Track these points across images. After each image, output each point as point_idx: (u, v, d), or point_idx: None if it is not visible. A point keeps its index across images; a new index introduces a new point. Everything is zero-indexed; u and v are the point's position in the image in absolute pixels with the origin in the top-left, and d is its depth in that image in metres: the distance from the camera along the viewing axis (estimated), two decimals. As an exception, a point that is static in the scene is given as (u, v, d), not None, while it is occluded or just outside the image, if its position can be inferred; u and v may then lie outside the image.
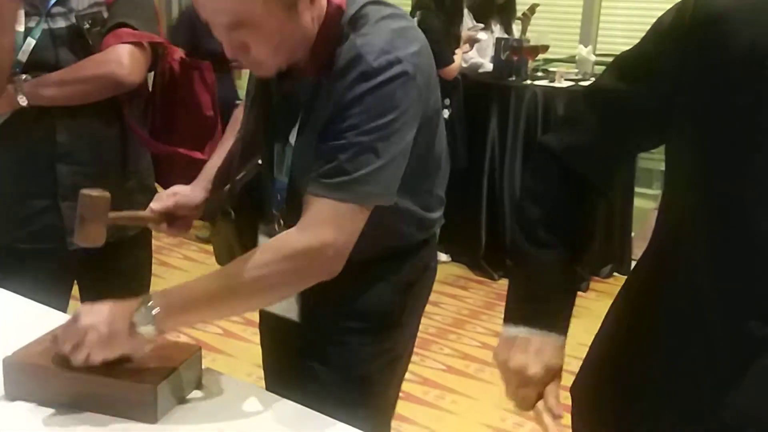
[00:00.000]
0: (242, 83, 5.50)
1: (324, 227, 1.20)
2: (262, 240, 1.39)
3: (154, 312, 1.20)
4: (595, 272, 4.29)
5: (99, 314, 1.21)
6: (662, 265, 1.06)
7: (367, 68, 1.18)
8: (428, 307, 3.55)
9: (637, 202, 4.50)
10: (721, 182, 0.93)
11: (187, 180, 1.73)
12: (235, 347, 3.32)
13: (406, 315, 1.41)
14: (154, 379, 1.21)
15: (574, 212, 1.13)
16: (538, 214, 1.11)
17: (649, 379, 1.04)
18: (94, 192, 1.39)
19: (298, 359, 1.45)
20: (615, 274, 4.28)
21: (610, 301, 1.19)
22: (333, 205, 1.19)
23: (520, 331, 1.09)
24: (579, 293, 1.08)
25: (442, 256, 4.58)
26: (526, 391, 1.06)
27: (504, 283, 4.45)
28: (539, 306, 1.10)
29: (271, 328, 1.57)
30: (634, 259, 4.36)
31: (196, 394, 1.32)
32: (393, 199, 1.26)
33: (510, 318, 1.12)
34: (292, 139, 1.31)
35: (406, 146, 1.23)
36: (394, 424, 1.60)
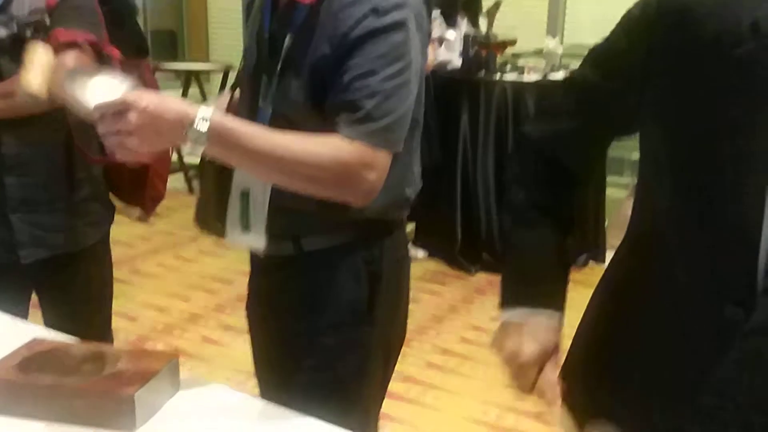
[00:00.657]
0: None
1: (364, 162, 1.24)
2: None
3: (205, 130, 1.16)
4: (571, 262, 4.32)
5: (157, 106, 1.15)
6: (639, 255, 1.08)
7: (378, 5, 1.22)
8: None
9: (610, 192, 4.55)
10: (690, 170, 0.95)
11: (138, 186, 1.72)
12: (213, 352, 3.30)
13: (378, 309, 1.41)
14: (131, 387, 1.20)
15: (558, 195, 1.16)
16: (523, 197, 1.15)
17: (632, 366, 1.05)
18: None
19: (278, 359, 1.45)
20: (591, 262, 4.33)
21: (587, 290, 1.20)
22: (366, 149, 1.24)
23: (515, 314, 1.10)
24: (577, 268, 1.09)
25: (419, 253, 4.60)
26: (524, 372, 1.06)
27: (481, 276, 4.51)
28: (532, 285, 1.12)
29: (256, 328, 1.56)
30: (609, 248, 4.42)
31: (174, 401, 1.31)
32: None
33: (505, 302, 1.13)
34: (278, 67, 1.31)
35: (413, 98, 1.28)
36: (376, 422, 1.60)
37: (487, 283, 4.15)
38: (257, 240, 1.38)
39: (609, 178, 4.55)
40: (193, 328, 3.58)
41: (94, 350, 1.32)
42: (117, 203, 2.01)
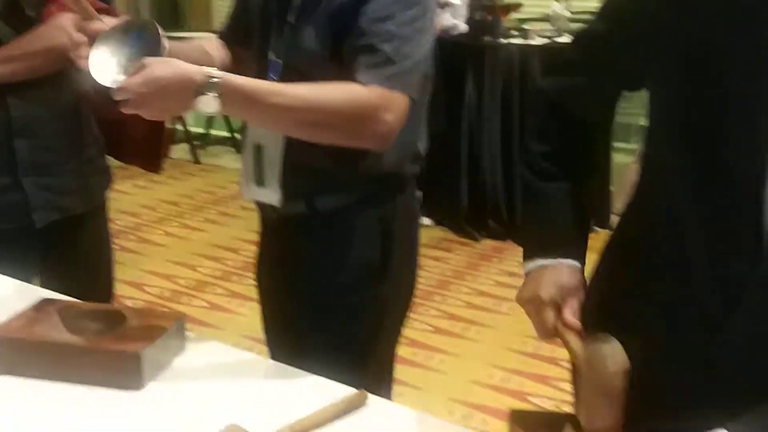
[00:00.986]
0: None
1: (380, 104, 1.23)
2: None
3: (215, 93, 1.16)
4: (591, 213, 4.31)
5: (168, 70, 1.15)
6: (646, 215, 1.08)
7: None
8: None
9: (616, 157, 4.52)
10: (698, 124, 0.94)
11: (139, 147, 1.71)
12: (221, 319, 3.32)
13: (392, 268, 1.41)
14: (138, 345, 1.21)
15: (577, 147, 1.16)
16: (542, 149, 1.15)
17: (642, 326, 1.04)
18: None
19: (290, 322, 1.46)
20: (596, 228, 4.31)
21: (592, 255, 1.20)
22: (384, 92, 1.23)
23: (536, 264, 1.09)
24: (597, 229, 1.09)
25: (425, 220, 4.58)
26: (543, 315, 1.04)
27: (487, 243, 4.51)
28: (552, 237, 1.11)
29: (267, 291, 1.56)
30: (614, 214, 4.41)
31: (181, 360, 1.32)
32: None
33: (527, 256, 1.13)
34: (291, 17, 1.30)
35: (430, 46, 1.29)
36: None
37: (493, 250, 4.15)
38: (272, 194, 1.38)
39: (615, 144, 4.52)
40: (200, 296, 3.60)
41: (101, 309, 1.33)
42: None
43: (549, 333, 1.04)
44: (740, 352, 0.93)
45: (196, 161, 5.94)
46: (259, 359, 1.34)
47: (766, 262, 0.89)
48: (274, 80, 1.33)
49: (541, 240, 1.12)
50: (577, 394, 0.99)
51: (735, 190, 0.92)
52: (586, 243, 1.13)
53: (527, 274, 1.10)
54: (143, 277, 3.76)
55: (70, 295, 1.49)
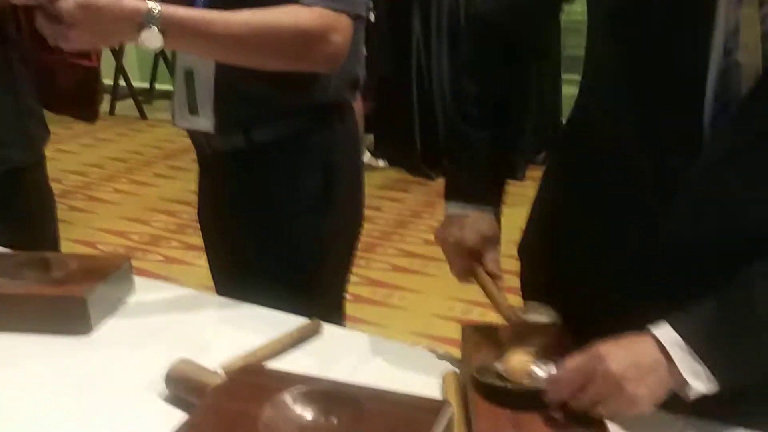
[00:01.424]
0: None
1: (327, 25, 1.20)
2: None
3: (158, 27, 1.12)
4: (530, 160, 4.34)
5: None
6: (585, 124, 1.08)
7: None
8: (370, 212, 3.57)
9: (566, 90, 4.53)
10: (634, 23, 0.93)
11: (73, 96, 1.63)
12: (178, 272, 3.28)
13: (336, 198, 1.39)
14: (82, 288, 1.17)
15: (509, 79, 1.15)
16: (473, 90, 1.14)
17: (585, 227, 1.06)
18: None
19: (235, 257, 1.43)
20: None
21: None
22: (329, 13, 1.20)
23: (457, 208, 1.13)
24: (516, 182, 1.12)
25: (379, 162, 4.58)
26: (466, 262, 1.09)
27: (442, 182, 4.50)
28: (474, 183, 1.14)
29: (210, 229, 1.53)
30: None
31: (130, 302, 1.29)
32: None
33: (448, 196, 1.16)
34: None
35: None
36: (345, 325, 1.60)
37: (449, 187, 4.15)
38: (205, 122, 1.34)
39: (565, 76, 4.53)
40: (155, 250, 3.55)
41: (40, 257, 1.29)
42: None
43: (467, 277, 1.10)
44: (677, 245, 0.95)
45: (142, 116, 5.80)
46: (209, 296, 1.32)
47: (703, 158, 0.90)
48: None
49: (465, 186, 1.15)
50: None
51: (673, 87, 0.92)
52: (504, 189, 1.16)
53: (449, 216, 1.13)
54: (95, 235, 3.68)
55: (15, 248, 1.44)
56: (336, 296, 1.51)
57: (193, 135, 1.42)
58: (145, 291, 1.33)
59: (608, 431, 0.87)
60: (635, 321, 0.89)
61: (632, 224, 0.99)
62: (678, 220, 0.94)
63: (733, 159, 0.89)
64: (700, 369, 0.85)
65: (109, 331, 1.20)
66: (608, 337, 0.89)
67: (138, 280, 1.34)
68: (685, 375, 0.85)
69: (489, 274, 1.08)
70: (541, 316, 0.96)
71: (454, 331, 1.14)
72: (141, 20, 1.11)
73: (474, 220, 1.10)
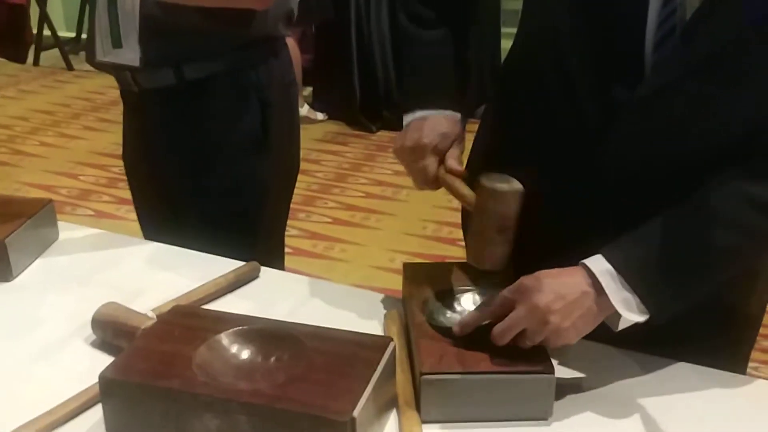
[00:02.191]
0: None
1: None
2: None
3: None
4: (470, 114, 4.32)
5: None
6: (529, 56, 1.05)
7: None
8: (309, 165, 3.49)
9: (505, 44, 4.52)
10: None
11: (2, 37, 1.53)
12: (110, 227, 3.16)
13: (272, 137, 1.33)
14: (1, 233, 1.10)
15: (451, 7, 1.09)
16: (411, 10, 1.08)
17: (524, 160, 1.03)
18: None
19: (167, 202, 1.37)
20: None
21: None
22: None
23: (414, 116, 1.04)
24: (471, 120, 1.06)
25: (318, 115, 4.50)
26: (425, 162, 1.00)
27: (383, 134, 4.47)
28: (431, 86, 1.06)
29: (137, 174, 1.46)
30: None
31: (54, 249, 1.22)
32: None
33: (406, 109, 1.07)
34: None
35: None
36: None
37: (389, 140, 4.11)
38: (130, 54, 1.26)
39: (504, 30, 4.51)
40: (85, 204, 3.42)
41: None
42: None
43: (429, 180, 1.01)
44: (618, 176, 0.94)
45: (69, 67, 5.54)
46: (141, 241, 1.26)
47: (646, 86, 0.89)
48: None
49: (420, 91, 1.07)
50: (470, 235, 0.97)
51: (616, 15, 0.90)
52: (464, 92, 1.08)
53: (406, 124, 1.05)
54: (20, 189, 3.52)
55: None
56: (277, 243, 1.47)
57: (117, 72, 1.34)
58: (70, 236, 1.26)
59: (552, 365, 0.86)
60: (577, 255, 0.88)
61: (573, 155, 0.97)
62: (619, 149, 0.93)
63: (675, 87, 0.88)
64: (631, 298, 0.84)
65: (32, 277, 1.14)
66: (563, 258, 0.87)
67: (63, 225, 1.27)
68: (615, 304, 0.84)
69: (452, 171, 0.99)
70: (505, 182, 0.90)
71: (396, 283, 1.10)
72: None
73: (433, 122, 1.01)
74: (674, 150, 0.91)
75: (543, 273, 0.87)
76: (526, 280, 0.86)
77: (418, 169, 1.00)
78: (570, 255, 0.88)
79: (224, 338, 0.84)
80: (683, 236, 0.87)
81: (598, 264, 0.85)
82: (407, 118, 1.05)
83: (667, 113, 0.89)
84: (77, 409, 0.84)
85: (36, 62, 5.55)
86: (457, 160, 0.99)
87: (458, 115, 1.04)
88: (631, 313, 0.85)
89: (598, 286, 0.84)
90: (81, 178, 3.71)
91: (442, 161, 0.99)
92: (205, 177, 1.32)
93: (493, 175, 0.92)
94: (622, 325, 0.86)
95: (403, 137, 1.02)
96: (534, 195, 0.92)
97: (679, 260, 0.86)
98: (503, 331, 0.86)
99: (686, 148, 0.90)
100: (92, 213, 3.34)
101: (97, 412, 0.81)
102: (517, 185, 0.90)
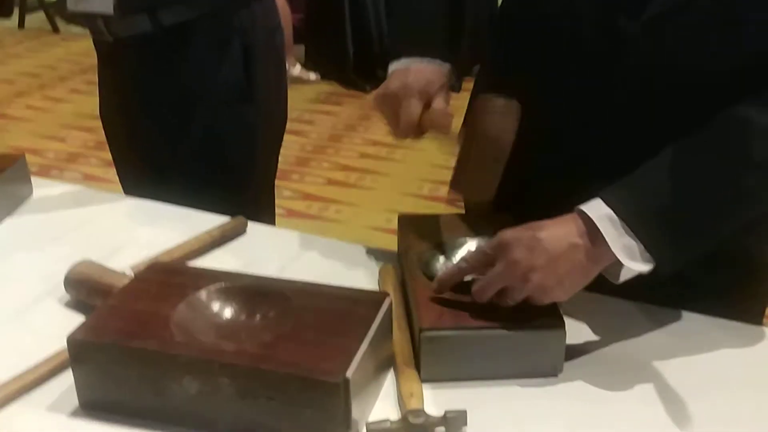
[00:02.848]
0: None
1: None
2: None
3: None
4: (466, 72, 4.23)
5: None
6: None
7: None
8: (303, 126, 3.41)
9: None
10: None
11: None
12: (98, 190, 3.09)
13: (257, 86, 1.25)
14: (-33, 188, 1.03)
15: None
16: None
17: (530, 96, 0.96)
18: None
19: (148, 156, 1.29)
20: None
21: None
22: None
23: (400, 63, 0.97)
24: (452, 94, 0.97)
25: (311, 75, 4.40)
26: (409, 103, 0.92)
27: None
28: (420, 31, 1.01)
29: (115, 127, 1.38)
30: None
31: (28, 205, 1.15)
32: None
33: (392, 56, 1.00)
34: None
35: None
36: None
37: (384, 100, 4.02)
38: (103, 1, 1.17)
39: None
40: (73, 167, 3.34)
41: None
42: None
43: (412, 124, 0.92)
44: (625, 110, 0.88)
45: (55, 30, 5.40)
46: (121, 197, 1.19)
47: (648, 14, 0.84)
48: None
49: (408, 35, 1.01)
50: (459, 162, 0.90)
51: None
52: (458, 43, 1.02)
53: (390, 72, 0.97)
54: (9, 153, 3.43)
55: None
56: (266, 199, 1.39)
57: (89, 21, 1.25)
58: (45, 192, 1.19)
59: (562, 319, 0.79)
60: (578, 201, 0.81)
61: (578, 93, 0.91)
62: (626, 83, 0.87)
63: (680, 12, 0.82)
64: (634, 245, 0.76)
65: (3, 234, 1.07)
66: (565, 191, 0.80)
67: (37, 182, 1.20)
68: (616, 252, 0.76)
69: (437, 118, 0.92)
70: (502, 99, 0.83)
71: (391, 243, 1.04)
72: None
73: (419, 69, 0.94)
74: (682, 81, 0.84)
75: (528, 225, 0.79)
76: (506, 233, 0.79)
77: (400, 113, 0.91)
78: (571, 200, 0.81)
79: (205, 295, 0.77)
80: (692, 174, 0.79)
81: (596, 209, 0.78)
82: (392, 66, 0.98)
83: (674, 41, 0.83)
84: (47, 373, 0.77)
85: (21, 25, 5.42)
86: (443, 100, 0.92)
87: (447, 66, 0.97)
88: (633, 262, 0.77)
89: (594, 234, 0.77)
90: (68, 141, 3.62)
91: (428, 106, 0.91)
92: (186, 130, 1.24)
93: (489, 95, 0.85)
94: (624, 276, 0.78)
95: (386, 84, 0.94)
96: (537, 133, 0.85)
97: (688, 201, 0.78)
98: (481, 289, 0.79)
99: (694, 78, 0.84)
100: (80, 176, 3.26)
101: (69, 377, 0.74)
102: (514, 102, 0.83)
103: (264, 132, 1.31)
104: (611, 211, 0.77)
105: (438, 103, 0.91)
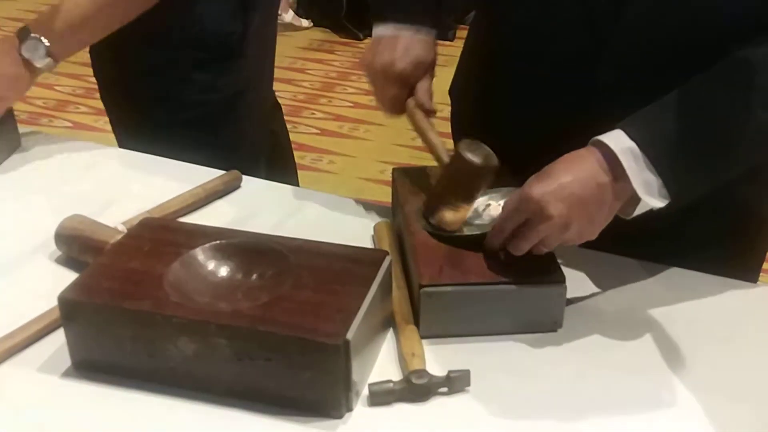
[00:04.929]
0: None
1: None
2: None
3: (44, 41, 1.06)
4: (459, 20, 4.16)
5: None
6: None
7: None
8: (295, 74, 3.34)
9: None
10: None
11: None
12: (88, 139, 3.04)
13: (248, 45, 1.21)
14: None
15: None
16: None
17: (523, 56, 0.94)
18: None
19: (139, 107, 1.25)
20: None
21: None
22: None
23: (387, 29, 0.96)
24: (446, 42, 0.94)
25: (303, 22, 4.31)
26: (395, 90, 0.94)
27: (370, 41, 4.30)
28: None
29: (106, 77, 1.33)
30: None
31: (16, 158, 1.12)
32: None
33: (377, 17, 0.98)
34: None
35: None
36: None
37: (377, 48, 3.95)
38: None
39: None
40: (62, 116, 3.28)
41: None
42: None
43: (396, 109, 0.94)
44: (624, 61, 0.86)
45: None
46: (113, 149, 1.16)
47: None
48: None
49: (394, 2, 0.98)
50: (430, 191, 0.89)
51: None
52: (440, 9, 0.99)
53: (377, 38, 0.96)
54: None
55: None
56: (260, 149, 1.36)
57: None
58: (34, 144, 1.16)
59: (563, 273, 0.78)
60: (585, 140, 0.79)
61: (575, 45, 0.88)
62: (625, 34, 0.85)
63: None
64: (653, 181, 0.75)
65: (-8, 189, 1.04)
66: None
67: (26, 131, 1.17)
68: (636, 187, 0.75)
69: (421, 107, 0.93)
70: (476, 154, 0.82)
71: (385, 195, 1.02)
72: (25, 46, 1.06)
73: (407, 43, 0.93)
74: (681, 30, 0.82)
75: (549, 171, 0.77)
76: (534, 189, 0.76)
77: (386, 97, 0.93)
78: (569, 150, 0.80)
79: (200, 254, 0.75)
80: (710, 108, 0.77)
81: (617, 141, 0.76)
82: (378, 29, 0.96)
83: None
84: (39, 332, 0.75)
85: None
86: (427, 93, 0.93)
87: (433, 36, 0.96)
88: (651, 198, 0.76)
89: (617, 169, 0.75)
90: (57, 88, 3.55)
91: (412, 92, 0.92)
92: (180, 77, 1.20)
93: (471, 142, 0.83)
94: (637, 211, 0.78)
95: (373, 54, 0.93)
96: (534, 85, 0.83)
97: (706, 136, 0.77)
98: (518, 245, 0.78)
99: (693, 27, 0.81)
100: (70, 124, 3.21)
101: (61, 336, 0.72)
102: (494, 161, 0.82)
103: (254, 88, 1.27)
104: (634, 144, 0.75)
105: (423, 89, 0.92)
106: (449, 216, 0.83)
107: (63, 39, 1.08)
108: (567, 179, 0.75)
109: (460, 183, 0.84)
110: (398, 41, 0.93)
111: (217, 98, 1.23)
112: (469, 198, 0.84)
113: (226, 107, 1.23)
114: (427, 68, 0.95)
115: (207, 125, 1.23)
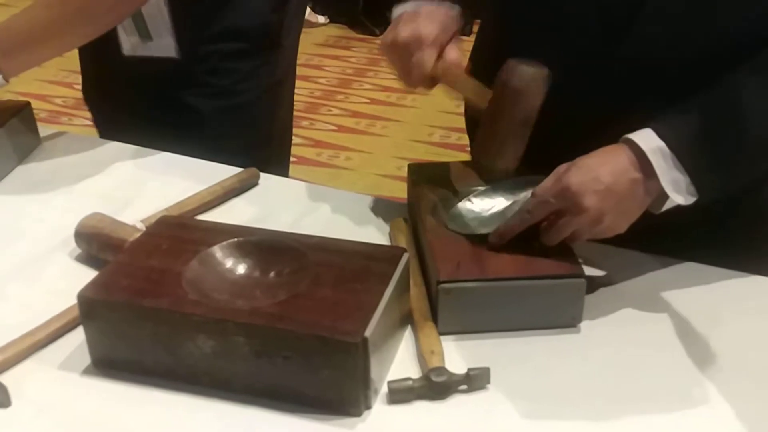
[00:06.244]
0: None
1: None
2: None
3: None
4: (477, 15, 4.15)
5: None
6: None
7: None
8: (311, 71, 3.34)
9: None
10: None
11: None
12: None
13: (285, 35, 1.21)
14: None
15: None
16: None
17: (540, 33, 0.91)
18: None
19: (170, 95, 1.24)
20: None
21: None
22: None
23: (408, 6, 0.92)
24: (463, 38, 0.92)
25: (320, 18, 4.31)
26: (422, 53, 0.87)
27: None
28: None
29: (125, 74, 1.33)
30: None
31: (36, 155, 1.13)
32: None
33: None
34: None
35: None
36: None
37: (394, 43, 3.94)
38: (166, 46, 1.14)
39: None
40: (82, 114, 3.30)
41: None
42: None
43: (425, 76, 0.88)
44: (646, 49, 0.84)
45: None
46: (131, 147, 1.16)
47: None
48: None
49: None
50: (483, 130, 0.86)
51: None
52: None
53: (397, 18, 0.91)
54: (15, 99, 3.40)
55: None
56: (280, 148, 1.36)
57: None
58: (53, 142, 1.16)
59: (581, 268, 0.77)
60: (601, 136, 0.79)
61: (592, 44, 0.86)
62: (645, 34, 0.83)
63: None
64: (681, 179, 0.76)
65: (10, 186, 1.05)
66: (576, 155, 0.78)
67: (45, 129, 1.17)
68: (664, 185, 0.76)
69: (453, 65, 0.88)
70: (530, 65, 0.80)
71: (402, 191, 1.01)
72: None
73: (430, 10, 0.89)
74: (702, 27, 0.80)
75: (582, 163, 0.76)
76: (569, 179, 0.76)
77: (412, 64, 0.86)
78: (593, 137, 0.79)
79: (218, 251, 0.75)
80: (740, 108, 0.77)
81: (647, 140, 0.76)
82: (397, 10, 0.92)
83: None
84: (59, 330, 0.76)
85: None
86: (458, 50, 0.88)
87: (457, 9, 0.91)
88: (678, 195, 0.76)
89: (647, 167, 0.75)
90: (76, 86, 3.56)
91: (440, 56, 0.87)
92: (214, 72, 1.20)
93: (513, 60, 0.81)
94: (666, 207, 0.78)
95: (395, 30, 0.88)
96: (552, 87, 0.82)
97: (737, 136, 0.77)
98: (550, 236, 0.79)
99: (717, 33, 0.80)
100: (89, 123, 3.21)
101: (81, 334, 0.73)
102: (544, 68, 0.80)
103: (283, 80, 1.27)
104: (663, 144, 0.75)
105: (450, 52, 0.87)
106: (515, 147, 0.82)
107: (12, 57, 1.03)
108: (603, 172, 0.76)
109: (517, 103, 0.81)
110: (420, 11, 0.90)
111: (256, 88, 1.22)
112: (529, 119, 0.81)
113: (268, 97, 1.23)
114: (453, 34, 0.90)
115: (246, 115, 1.22)
